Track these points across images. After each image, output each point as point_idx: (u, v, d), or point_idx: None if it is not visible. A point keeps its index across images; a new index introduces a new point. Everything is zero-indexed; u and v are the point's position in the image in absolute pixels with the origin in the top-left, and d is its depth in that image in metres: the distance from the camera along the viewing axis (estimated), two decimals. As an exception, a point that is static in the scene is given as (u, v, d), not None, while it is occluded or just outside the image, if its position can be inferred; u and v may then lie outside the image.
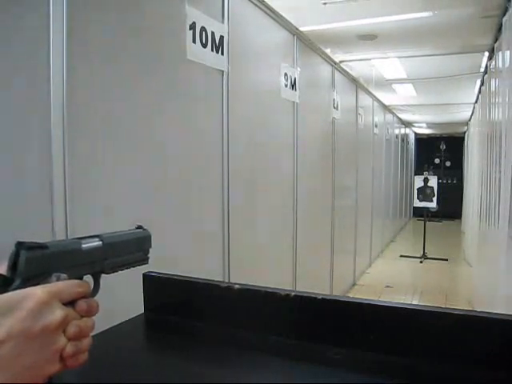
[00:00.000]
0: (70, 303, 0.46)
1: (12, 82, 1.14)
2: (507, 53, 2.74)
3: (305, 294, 0.80)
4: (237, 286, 0.85)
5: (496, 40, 3.52)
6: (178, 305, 0.90)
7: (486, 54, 4.26)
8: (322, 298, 0.78)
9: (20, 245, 0.45)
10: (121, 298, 1.12)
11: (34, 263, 0.46)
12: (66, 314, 0.44)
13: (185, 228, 1.82)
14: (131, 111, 1.52)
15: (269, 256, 2.65)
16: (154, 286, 0.93)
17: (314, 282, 3.58)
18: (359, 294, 4.74)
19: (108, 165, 1.43)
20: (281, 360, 0.75)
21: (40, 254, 0.47)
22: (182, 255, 1.76)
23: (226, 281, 2.07)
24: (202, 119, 1.94)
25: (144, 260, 0.62)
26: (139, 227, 0.63)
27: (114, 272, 0.56)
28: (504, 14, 2.92)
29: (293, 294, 0.80)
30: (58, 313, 0.43)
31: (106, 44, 1.41)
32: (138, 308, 0.92)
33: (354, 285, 5.13)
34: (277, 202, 2.78)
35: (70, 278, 0.48)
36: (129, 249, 0.59)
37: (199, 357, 0.75)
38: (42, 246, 0.47)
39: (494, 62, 3.69)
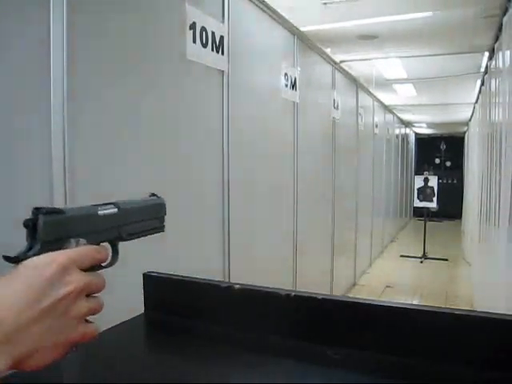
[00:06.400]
0: (89, 269, 0.46)
1: (12, 80, 1.14)
2: (507, 53, 2.74)
3: (305, 294, 0.80)
4: (237, 286, 0.85)
5: (496, 40, 3.52)
6: (178, 305, 0.90)
7: (487, 53, 4.26)
8: (322, 298, 0.78)
9: (37, 210, 0.45)
10: (121, 297, 1.12)
11: (53, 227, 0.45)
12: (84, 280, 0.44)
13: (185, 227, 1.81)
14: (131, 111, 1.52)
15: (269, 256, 2.64)
16: (155, 285, 0.93)
17: (314, 282, 3.58)
18: (359, 294, 4.74)
19: (108, 164, 1.43)
20: (281, 360, 0.75)
21: (58, 219, 0.46)
22: (182, 254, 1.76)
23: (226, 281, 2.07)
24: (202, 119, 1.94)
25: (160, 228, 0.61)
26: (153, 195, 0.62)
27: (131, 239, 0.55)
28: (504, 14, 2.92)
29: (293, 294, 0.80)
30: (75, 279, 0.43)
31: (106, 43, 1.41)
32: (138, 308, 0.92)
33: (354, 285, 5.13)
34: (277, 202, 2.78)
35: (88, 244, 0.48)
36: (145, 216, 0.59)
37: (199, 357, 0.75)
38: (59, 211, 0.46)
39: (494, 62, 3.68)
